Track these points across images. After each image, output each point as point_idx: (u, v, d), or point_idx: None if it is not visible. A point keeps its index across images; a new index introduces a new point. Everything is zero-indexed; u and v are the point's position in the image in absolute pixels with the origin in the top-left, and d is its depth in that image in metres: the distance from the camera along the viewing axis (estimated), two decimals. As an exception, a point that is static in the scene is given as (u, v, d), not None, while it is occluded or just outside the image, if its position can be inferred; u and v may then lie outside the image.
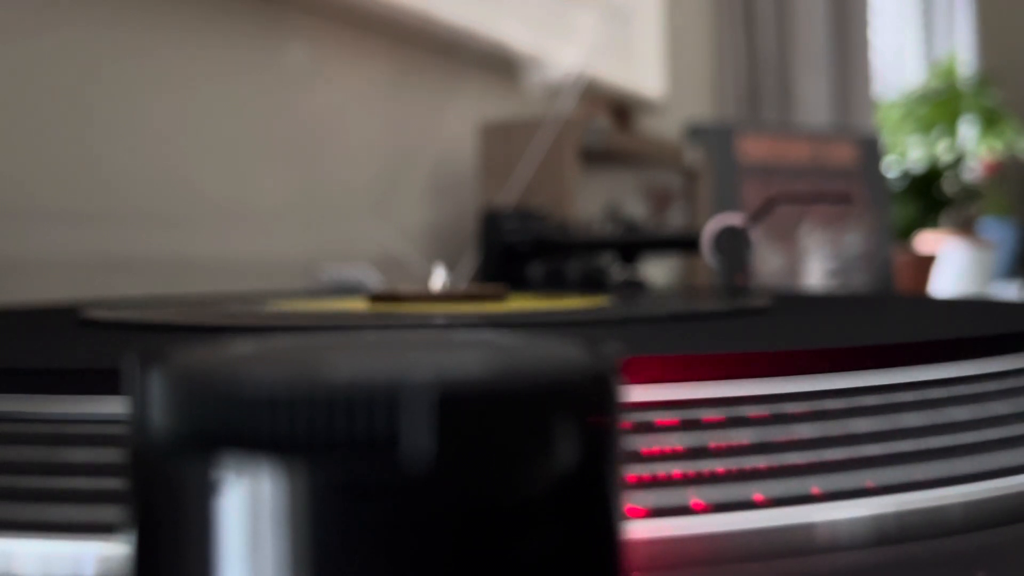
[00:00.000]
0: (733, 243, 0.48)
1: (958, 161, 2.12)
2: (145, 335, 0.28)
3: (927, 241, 1.85)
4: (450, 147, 1.04)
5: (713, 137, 1.31)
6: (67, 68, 0.66)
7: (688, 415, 0.17)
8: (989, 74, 2.46)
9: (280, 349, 0.11)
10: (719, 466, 0.16)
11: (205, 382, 0.09)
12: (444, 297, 0.39)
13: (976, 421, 0.18)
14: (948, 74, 2.33)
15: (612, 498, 0.10)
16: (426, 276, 0.47)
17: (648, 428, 0.16)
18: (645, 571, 0.14)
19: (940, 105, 2.23)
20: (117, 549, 0.14)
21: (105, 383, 0.16)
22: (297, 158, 0.86)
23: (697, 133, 1.31)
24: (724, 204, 1.27)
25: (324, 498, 0.09)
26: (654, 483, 0.15)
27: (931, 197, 2.03)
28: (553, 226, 0.77)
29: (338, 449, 0.08)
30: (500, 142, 0.99)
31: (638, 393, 0.17)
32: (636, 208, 1.25)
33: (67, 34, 0.66)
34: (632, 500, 0.15)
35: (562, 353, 0.11)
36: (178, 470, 0.09)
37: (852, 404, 0.18)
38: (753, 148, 1.34)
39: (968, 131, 2.26)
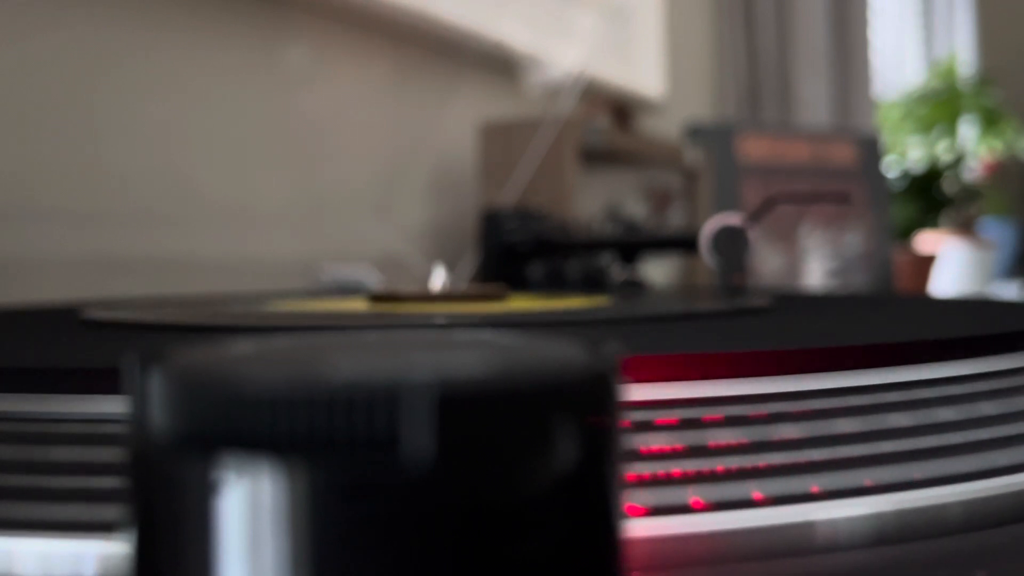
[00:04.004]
0: (732, 243, 0.48)
1: (958, 161, 2.12)
2: (145, 335, 0.28)
3: (927, 241, 1.85)
4: (450, 147, 1.04)
5: (713, 137, 1.31)
6: (67, 68, 0.66)
7: (687, 414, 0.17)
8: (989, 74, 2.46)
9: (280, 349, 0.11)
10: (719, 465, 0.16)
11: (205, 382, 0.09)
12: (444, 297, 0.39)
13: (975, 420, 0.18)
14: (948, 74, 2.33)
15: (612, 498, 0.10)
16: (426, 276, 0.47)
17: (648, 427, 0.16)
18: (645, 570, 0.14)
19: (940, 105, 2.23)
20: (117, 548, 0.14)
21: (105, 383, 0.16)
22: (297, 158, 0.86)
23: (697, 133, 1.31)
24: (724, 204, 1.27)
25: (324, 498, 0.09)
26: (654, 482, 0.15)
27: (931, 197, 2.03)
28: (553, 226, 0.77)
29: (338, 449, 0.09)
30: (500, 142, 0.99)
31: (638, 392, 0.17)
32: (636, 208, 1.25)
33: (67, 34, 0.66)
34: (632, 499, 0.15)
35: (562, 353, 0.11)
36: (178, 470, 0.09)
37: (852, 403, 0.18)
38: (753, 148, 1.34)
39: (968, 131, 2.26)
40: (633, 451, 0.16)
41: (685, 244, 0.64)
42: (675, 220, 1.29)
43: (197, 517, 0.09)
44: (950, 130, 2.21)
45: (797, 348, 0.18)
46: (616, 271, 0.70)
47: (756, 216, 0.51)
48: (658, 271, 1.29)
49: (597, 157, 1.10)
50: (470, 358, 0.10)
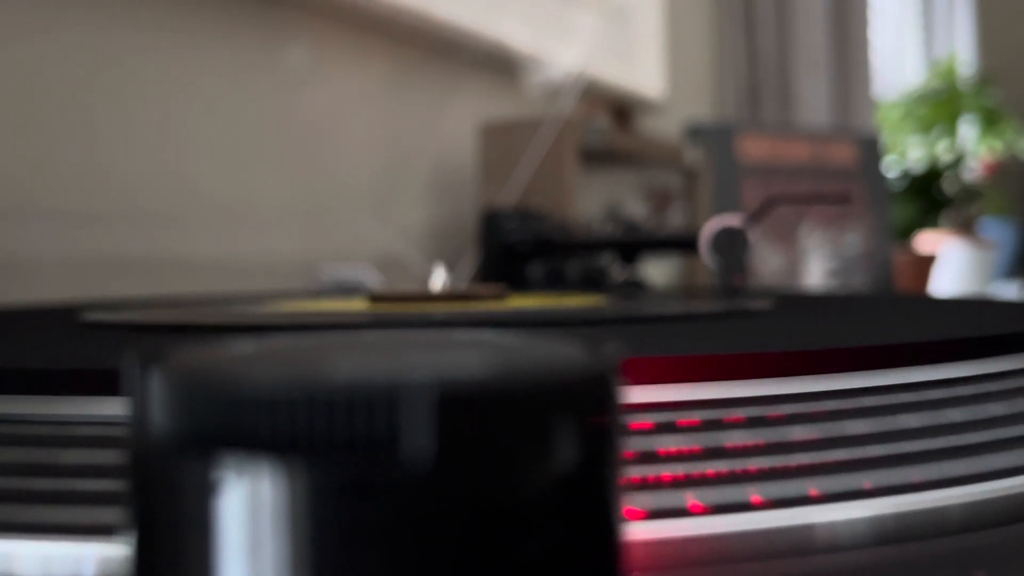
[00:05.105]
0: (731, 244, 0.48)
1: (958, 161, 2.12)
2: (145, 335, 0.28)
3: (927, 241, 1.85)
4: (450, 147, 1.04)
5: (713, 137, 1.31)
6: (67, 68, 0.66)
7: (686, 416, 0.17)
8: (989, 74, 2.46)
9: (280, 349, 0.11)
10: (717, 468, 0.16)
11: (205, 382, 0.09)
12: (444, 297, 0.39)
13: (975, 422, 0.18)
14: (948, 74, 2.33)
15: (612, 498, 0.10)
16: (426, 276, 0.47)
17: (647, 429, 0.16)
18: (644, 572, 0.14)
19: (940, 105, 2.23)
20: (117, 550, 0.14)
21: (105, 383, 0.16)
22: (297, 158, 0.86)
23: (697, 133, 1.31)
24: (724, 204, 1.27)
25: (324, 498, 0.09)
26: (653, 485, 0.15)
27: (931, 197, 2.03)
28: (553, 226, 0.77)
29: (338, 449, 0.09)
30: (500, 142, 0.99)
31: (637, 394, 0.17)
32: (636, 208, 1.25)
33: (68, 34, 0.66)
34: (631, 502, 0.15)
35: (562, 353, 0.11)
36: (178, 470, 0.09)
37: (851, 405, 0.18)
38: (753, 148, 1.34)
39: (968, 131, 2.26)
40: (633, 453, 0.16)
41: (685, 244, 0.64)
42: (675, 220, 1.29)
43: (197, 517, 0.09)
44: (950, 130, 2.21)
45: (797, 350, 0.18)
46: (616, 271, 0.70)
47: (756, 216, 0.51)
48: (658, 271, 1.29)
49: (597, 157, 1.10)
50: (470, 358, 0.10)
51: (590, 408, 0.10)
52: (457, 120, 1.03)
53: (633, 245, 0.68)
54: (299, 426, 0.09)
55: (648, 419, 0.17)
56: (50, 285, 0.63)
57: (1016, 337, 0.21)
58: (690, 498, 0.15)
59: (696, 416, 0.17)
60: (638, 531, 0.15)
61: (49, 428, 0.16)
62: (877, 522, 0.16)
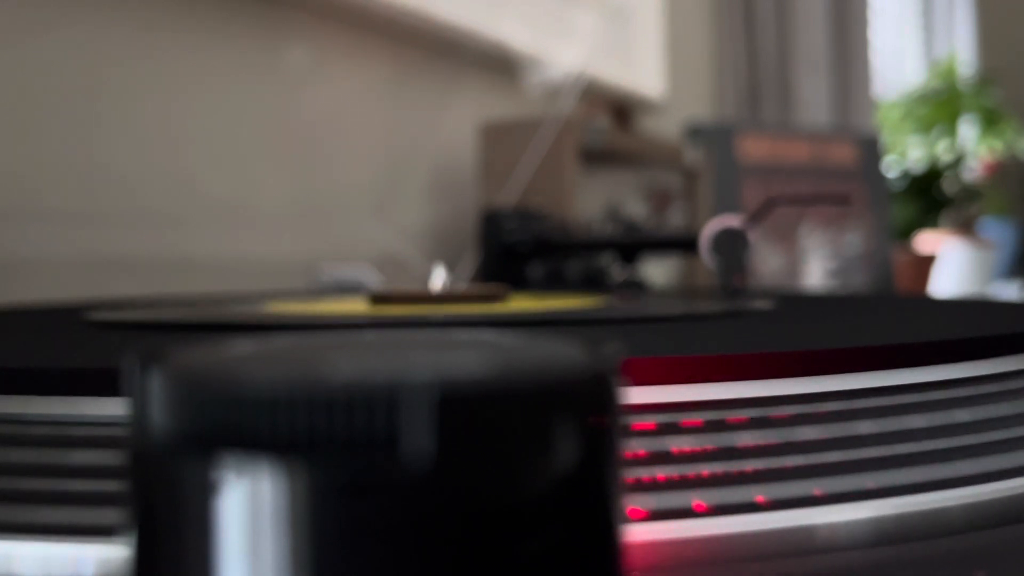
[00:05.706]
0: (731, 244, 0.48)
1: (958, 161, 2.12)
2: (145, 335, 0.28)
3: (927, 241, 1.85)
4: (450, 147, 1.04)
5: (713, 137, 1.31)
6: (68, 68, 0.66)
7: (688, 417, 0.17)
8: (989, 74, 2.46)
9: (280, 349, 0.11)
10: (720, 468, 0.16)
11: (205, 382, 0.09)
12: (444, 297, 0.39)
13: (977, 423, 0.18)
14: (948, 74, 2.33)
15: (612, 498, 0.10)
16: (426, 276, 0.47)
17: (650, 430, 0.16)
18: (648, 572, 0.14)
19: (940, 105, 2.23)
20: (117, 551, 0.14)
21: (105, 383, 0.16)
22: (297, 158, 0.86)
23: (697, 133, 1.31)
24: (724, 204, 1.27)
25: (324, 498, 0.09)
26: (656, 485, 0.15)
27: (931, 197, 2.03)
28: (553, 226, 0.77)
29: (338, 449, 0.08)
30: (500, 142, 0.99)
31: (640, 395, 0.17)
32: (636, 208, 1.25)
33: (68, 34, 0.66)
34: (633, 502, 0.15)
35: (562, 353, 0.11)
36: (178, 470, 0.09)
37: (853, 406, 0.18)
38: (753, 148, 1.34)
39: (968, 131, 2.26)
40: (634, 454, 0.16)
41: (685, 244, 0.64)
42: (675, 220, 1.29)
43: (197, 517, 0.09)
44: (950, 130, 2.21)
45: (797, 350, 0.18)
46: (616, 271, 0.70)
47: (756, 217, 0.51)
48: (658, 271, 1.29)
49: (597, 157, 1.10)
50: (470, 358, 0.10)
51: (590, 408, 0.10)
52: (457, 120, 1.03)
53: (633, 245, 0.68)
54: (299, 426, 0.09)
55: (651, 420, 0.17)
56: (50, 285, 0.63)
57: (1016, 337, 0.21)
58: (694, 498, 0.15)
59: (699, 417, 0.17)
60: (641, 531, 0.15)
61: (49, 428, 0.16)
62: (879, 522, 0.16)
